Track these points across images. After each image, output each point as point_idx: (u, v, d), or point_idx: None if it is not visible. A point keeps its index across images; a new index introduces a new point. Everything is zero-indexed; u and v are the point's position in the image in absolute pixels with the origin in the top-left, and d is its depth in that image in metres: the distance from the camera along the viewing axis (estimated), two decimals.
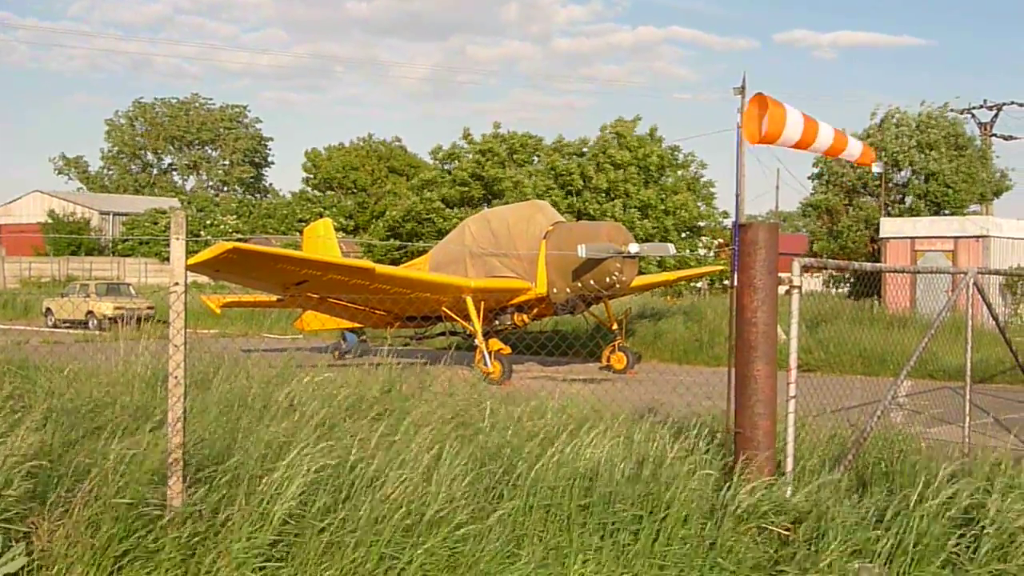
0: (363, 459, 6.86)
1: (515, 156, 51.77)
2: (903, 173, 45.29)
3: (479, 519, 6.37)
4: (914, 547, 6.58)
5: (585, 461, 7.14)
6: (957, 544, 6.72)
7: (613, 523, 6.59)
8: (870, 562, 6.49)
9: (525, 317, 23.59)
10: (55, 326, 38.48)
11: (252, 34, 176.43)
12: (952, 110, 47.10)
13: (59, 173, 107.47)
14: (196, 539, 5.88)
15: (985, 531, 6.76)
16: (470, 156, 53.05)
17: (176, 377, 6.34)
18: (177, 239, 6.38)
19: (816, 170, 47.04)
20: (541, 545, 6.36)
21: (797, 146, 9.05)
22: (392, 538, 6.09)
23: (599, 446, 7.39)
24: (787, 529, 6.78)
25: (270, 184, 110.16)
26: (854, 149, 9.74)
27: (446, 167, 55.08)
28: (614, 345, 23.66)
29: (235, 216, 73.50)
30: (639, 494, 6.82)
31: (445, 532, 6.17)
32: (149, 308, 37.15)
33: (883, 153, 42.75)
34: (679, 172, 50.92)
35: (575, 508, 6.62)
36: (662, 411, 10.21)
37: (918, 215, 41.76)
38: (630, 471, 7.11)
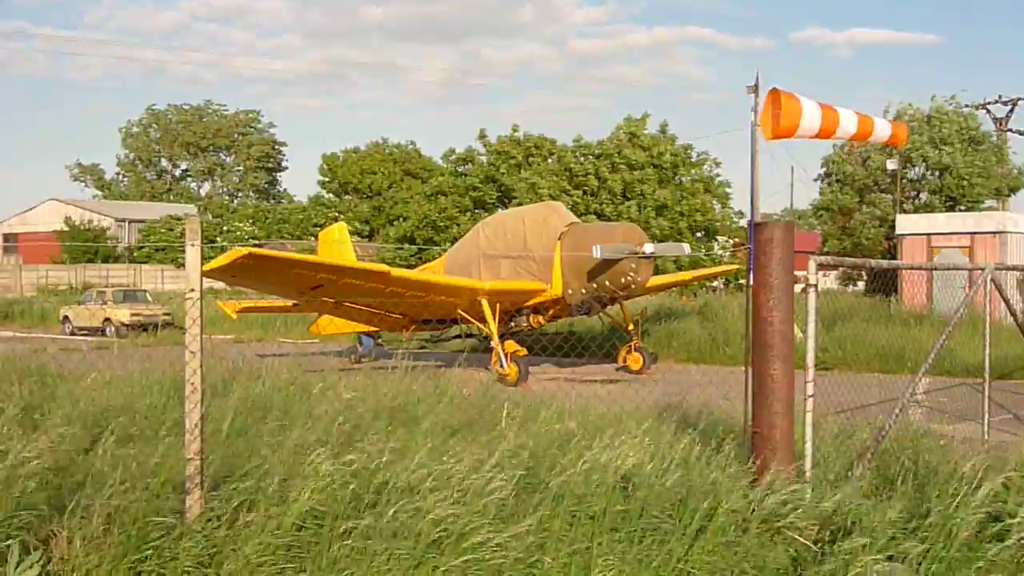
0: (383, 465, 6.82)
1: (531, 159, 51.74)
2: (916, 169, 45.10)
3: (504, 530, 6.30)
4: (944, 551, 6.50)
5: (615, 467, 7.08)
6: (981, 544, 6.65)
7: (641, 528, 6.54)
8: (901, 563, 6.42)
9: (541, 319, 23.58)
10: (72, 333, 38.64)
11: (268, 40, 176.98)
12: (966, 105, 46.87)
13: (75, 180, 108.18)
14: (215, 547, 5.88)
15: (1013, 533, 6.68)
16: (485, 159, 53.04)
17: (193, 383, 6.34)
18: (192, 246, 6.38)
19: (823, 171, 46.90)
20: (566, 549, 6.32)
21: (820, 136, 8.90)
22: (415, 550, 6.05)
23: (626, 451, 7.35)
24: (807, 531, 6.73)
25: (284, 189, 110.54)
26: (882, 130, 9.38)
27: (459, 170, 55.08)
28: (630, 346, 23.62)
29: (250, 222, 73.72)
30: (667, 499, 6.77)
31: (472, 544, 6.10)
32: (166, 315, 37.32)
33: (895, 150, 42.59)
34: (693, 171, 50.77)
35: (609, 514, 6.55)
36: (679, 412, 10.18)
37: (933, 211, 41.56)
38: (658, 476, 7.06)
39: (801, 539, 6.67)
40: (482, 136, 53.54)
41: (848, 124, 8.97)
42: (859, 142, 10.59)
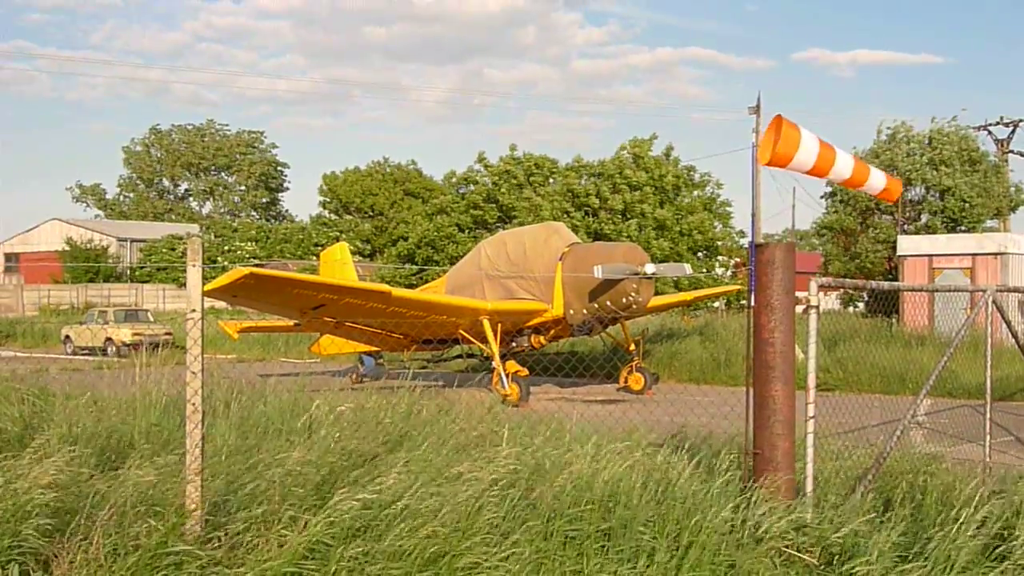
0: (383, 490, 6.82)
1: (531, 179, 51.84)
2: (917, 190, 45.15)
3: (498, 545, 6.31)
4: (945, 574, 6.48)
5: (603, 485, 7.09)
6: (983, 566, 6.64)
7: (632, 548, 6.53)
8: None
9: (542, 339, 23.56)
10: (74, 353, 38.63)
11: (271, 60, 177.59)
12: (967, 126, 46.96)
13: (77, 202, 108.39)
14: (215, 569, 5.86)
15: (1015, 553, 6.67)
16: (487, 181, 53.16)
17: (194, 404, 6.34)
18: (193, 266, 6.39)
19: (828, 189, 46.98)
20: (558, 570, 6.32)
21: (812, 172, 8.79)
22: (410, 571, 6.05)
23: (618, 470, 7.35)
24: (807, 553, 6.72)
25: (286, 210, 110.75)
26: (876, 182, 9.16)
27: (460, 191, 55.18)
28: (631, 366, 23.61)
29: (252, 241, 73.81)
30: (659, 518, 6.77)
31: (467, 563, 6.12)
32: (167, 334, 37.28)
33: (895, 171, 42.62)
34: (695, 192, 50.84)
35: (594, 532, 6.57)
36: (681, 432, 10.17)
37: (934, 232, 41.58)
38: (650, 495, 7.06)
39: (802, 561, 6.66)
40: (481, 159, 53.69)
41: (843, 169, 8.73)
42: (850, 189, 10.49)
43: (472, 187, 54.25)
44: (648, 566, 6.45)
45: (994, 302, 10.21)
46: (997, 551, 6.80)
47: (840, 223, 45.37)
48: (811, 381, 7.65)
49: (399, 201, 75.73)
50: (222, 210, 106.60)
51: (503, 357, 22.02)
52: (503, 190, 51.51)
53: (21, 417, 9.71)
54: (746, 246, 47.25)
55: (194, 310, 6.40)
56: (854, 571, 6.43)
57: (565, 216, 46.02)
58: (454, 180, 56.17)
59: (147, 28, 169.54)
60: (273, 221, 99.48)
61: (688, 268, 26.85)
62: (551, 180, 52.23)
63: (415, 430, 9.67)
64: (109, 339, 37.96)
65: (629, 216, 47.74)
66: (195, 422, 6.33)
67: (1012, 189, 46.91)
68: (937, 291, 10.93)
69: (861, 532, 6.78)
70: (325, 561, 5.99)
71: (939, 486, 7.86)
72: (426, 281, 38.44)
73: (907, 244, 35.61)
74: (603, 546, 6.56)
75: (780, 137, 8.34)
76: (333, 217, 78.20)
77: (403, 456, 7.93)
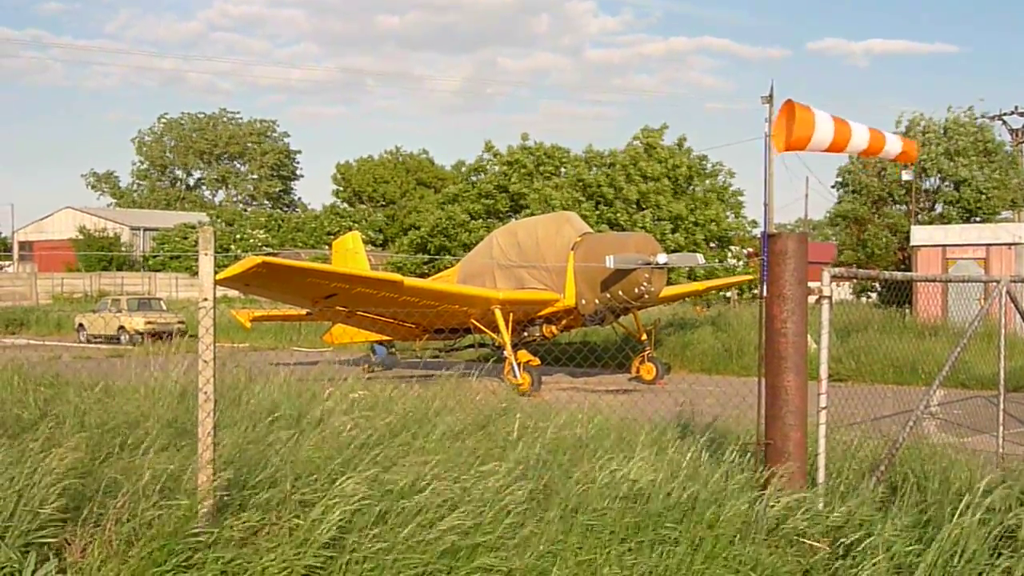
0: (399, 480, 6.82)
1: (541, 168, 51.65)
2: (932, 180, 44.91)
3: (513, 537, 6.31)
4: (955, 563, 6.47)
5: (625, 479, 7.08)
6: (992, 556, 6.62)
7: (650, 539, 6.52)
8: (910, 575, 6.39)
9: (554, 328, 23.56)
10: (87, 341, 38.77)
11: (285, 49, 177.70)
12: (981, 116, 46.65)
13: (91, 189, 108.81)
14: (229, 556, 5.86)
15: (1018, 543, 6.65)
16: (496, 169, 52.99)
17: (206, 393, 6.33)
18: (205, 255, 6.38)
19: (840, 179, 46.75)
20: (573, 560, 6.32)
21: (831, 149, 8.79)
22: (430, 560, 6.05)
23: (637, 462, 7.35)
24: (819, 543, 6.71)
25: (298, 198, 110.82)
26: (893, 146, 9.25)
27: (471, 180, 55.03)
28: (643, 356, 23.59)
29: (264, 230, 73.88)
30: (677, 509, 6.76)
31: (483, 555, 6.12)
32: (180, 323, 37.41)
33: (907, 166, 42.38)
34: (707, 181, 50.59)
35: (619, 526, 6.55)
36: (692, 423, 10.15)
37: (949, 222, 41.40)
38: (669, 487, 7.05)
39: (812, 549, 6.65)
40: (489, 148, 53.50)
41: (860, 139, 8.83)
42: (869, 157, 10.49)
43: (482, 175, 54.07)
44: (665, 557, 6.44)
45: (1008, 292, 10.16)
46: (1003, 538, 6.78)
47: (853, 212, 45.17)
48: (823, 371, 7.62)
49: (411, 190, 75.75)
50: (235, 198, 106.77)
51: (515, 347, 22.02)
52: (513, 179, 51.35)
53: (36, 404, 9.75)
54: (759, 236, 47.10)
55: (206, 299, 6.39)
56: (865, 561, 6.41)
57: (575, 207, 45.83)
58: (464, 169, 56.05)
59: (161, 17, 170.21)
60: (286, 210, 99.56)
61: (701, 258, 26.82)
62: (562, 170, 52.05)
63: (427, 418, 9.68)
64: (122, 327, 38.07)
65: (644, 207, 47.53)
66: (207, 410, 6.33)
67: None
68: (951, 281, 10.88)
69: (872, 522, 6.77)
70: (341, 550, 5.99)
71: (949, 476, 7.83)
72: (438, 270, 38.42)
73: (921, 234, 35.49)
74: (623, 538, 6.54)
75: (795, 121, 8.29)
76: (345, 206, 78.24)
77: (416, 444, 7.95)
